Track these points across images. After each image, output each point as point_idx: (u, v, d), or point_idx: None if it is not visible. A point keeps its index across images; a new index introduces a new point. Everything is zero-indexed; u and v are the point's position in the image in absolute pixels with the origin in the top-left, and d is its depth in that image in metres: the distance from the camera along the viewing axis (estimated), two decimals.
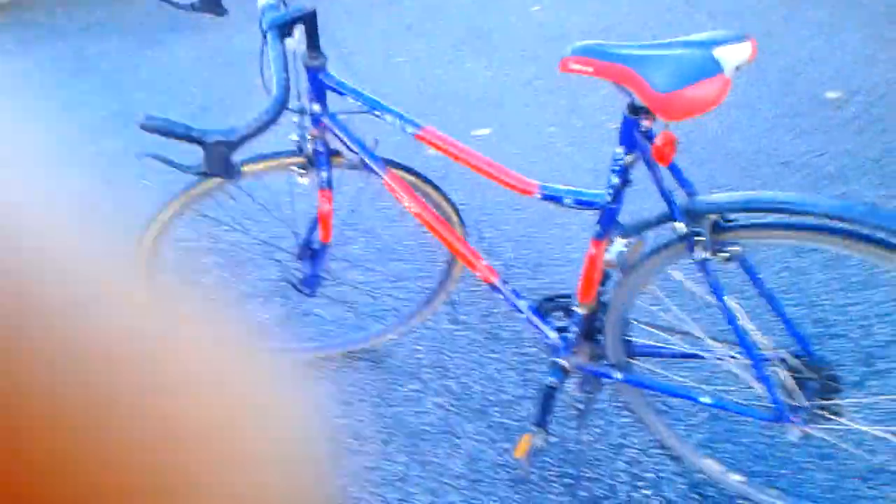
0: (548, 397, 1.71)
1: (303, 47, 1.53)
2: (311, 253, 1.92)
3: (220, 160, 1.31)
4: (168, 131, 1.23)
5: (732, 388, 1.73)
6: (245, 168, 1.61)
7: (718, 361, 1.52)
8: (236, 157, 1.38)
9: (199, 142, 1.27)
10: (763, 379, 1.41)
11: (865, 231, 1.16)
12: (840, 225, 1.19)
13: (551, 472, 1.82)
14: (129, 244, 0.22)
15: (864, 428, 1.47)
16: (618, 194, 1.37)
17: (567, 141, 3.09)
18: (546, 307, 1.71)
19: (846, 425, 1.42)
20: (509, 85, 3.58)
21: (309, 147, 1.64)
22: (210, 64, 4.04)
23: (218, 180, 1.63)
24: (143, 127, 1.21)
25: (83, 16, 4.88)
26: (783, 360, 1.43)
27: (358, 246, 2.64)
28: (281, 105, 1.31)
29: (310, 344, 2.19)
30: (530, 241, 2.58)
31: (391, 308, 2.35)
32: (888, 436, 1.58)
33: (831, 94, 3.23)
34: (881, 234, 1.16)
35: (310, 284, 1.93)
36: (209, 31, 4.44)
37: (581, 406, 1.95)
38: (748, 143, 2.96)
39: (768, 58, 3.52)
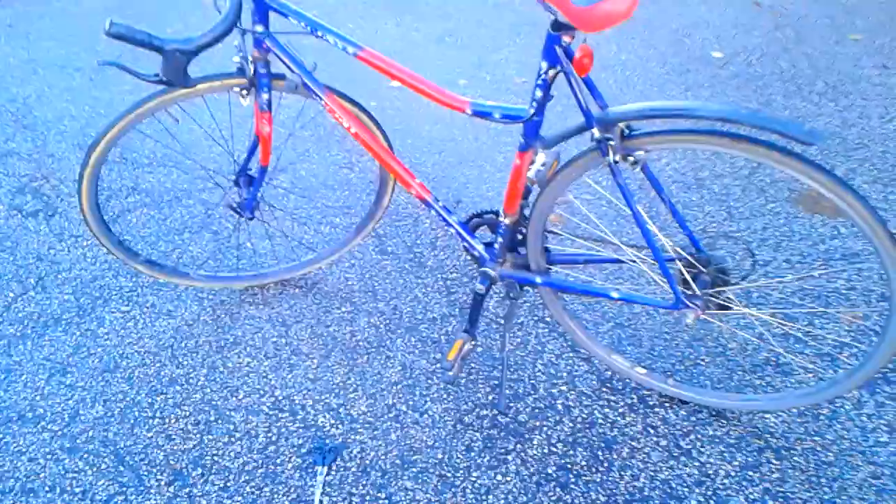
0: (476, 304, 1.89)
1: None
2: (249, 177, 2.02)
3: (178, 69, 1.40)
4: (131, 38, 1.31)
5: (637, 287, 1.96)
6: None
7: (630, 263, 1.73)
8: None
9: (159, 49, 1.36)
10: (666, 275, 1.63)
11: (748, 133, 1.38)
12: (727, 128, 1.41)
13: (479, 376, 2.01)
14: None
15: (745, 310, 1.71)
16: (540, 108, 1.54)
17: (477, 93, 3.27)
18: (474, 222, 1.88)
19: (734, 309, 1.66)
20: (420, 41, 3.72)
21: (251, 69, 1.74)
22: (120, 14, 3.96)
23: (166, 97, 1.71)
24: (108, 33, 1.29)
25: None
26: (681, 259, 1.65)
27: (289, 174, 2.75)
28: (234, 17, 1.41)
29: (243, 274, 2.29)
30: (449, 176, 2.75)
31: (323, 237, 2.48)
32: (766, 316, 1.85)
33: (716, 54, 3.53)
34: (762, 136, 1.38)
35: (248, 207, 2.03)
36: None
37: (503, 318, 2.14)
38: (641, 97, 3.22)
39: (658, 22, 3.79)
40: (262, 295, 2.28)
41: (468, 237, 1.85)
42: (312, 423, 1.90)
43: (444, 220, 1.85)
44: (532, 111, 1.55)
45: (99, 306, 2.24)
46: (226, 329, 2.17)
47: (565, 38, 1.43)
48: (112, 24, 1.27)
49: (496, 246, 1.82)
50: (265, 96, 1.79)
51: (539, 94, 1.52)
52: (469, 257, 2.32)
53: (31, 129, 3.07)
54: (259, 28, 1.67)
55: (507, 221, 1.75)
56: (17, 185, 2.76)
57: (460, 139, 2.98)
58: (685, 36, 3.69)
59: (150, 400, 1.96)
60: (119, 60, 1.48)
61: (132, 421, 1.91)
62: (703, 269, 1.64)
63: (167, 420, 1.91)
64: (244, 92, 1.78)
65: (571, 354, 2.06)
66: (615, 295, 1.74)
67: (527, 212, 1.76)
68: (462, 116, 3.08)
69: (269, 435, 1.87)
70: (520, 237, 1.82)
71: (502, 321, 2.15)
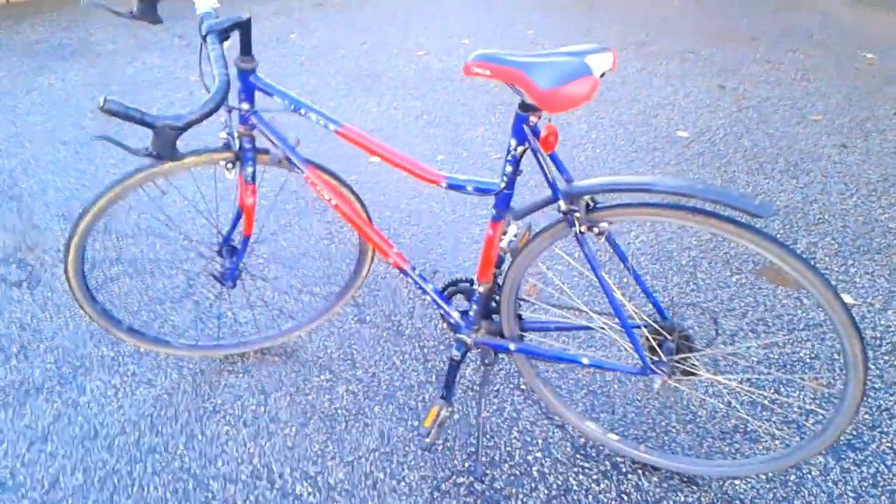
0: (452, 371, 1.95)
1: (236, 52, 1.72)
2: (232, 248, 2.09)
3: (167, 143, 1.47)
4: (124, 114, 1.38)
5: (606, 353, 2.02)
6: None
7: (599, 329, 1.80)
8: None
9: (150, 125, 1.43)
10: (632, 341, 1.70)
11: (705, 206, 1.48)
12: (684, 202, 1.50)
13: (456, 443, 2.04)
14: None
15: (712, 377, 1.78)
16: (511, 182, 1.64)
17: (455, 168, 3.39)
18: (449, 290, 1.96)
19: (701, 376, 1.73)
20: (399, 119, 3.86)
21: (236, 143, 1.83)
22: (103, 90, 4.11)
23: (154, 170, 1.79)
24: (103, 109, 1.37)
25: None
26: (647, 325, 1.73)
27: (271, 245, 2.81)
28: (223, 95, 1.49)
29: (224, 343, 2.33)
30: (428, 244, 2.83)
31: (302, 306, 2.54)
32: (733, 383, 1.91)
33: (682, 133, 3.69)
34: (717, 209, 1.48)
35: (231, 277, 2.09)
36: (101, 60, 4.50)
37: (479, 385, 2.19)
38: (611, 173, 3.35)
39: (625, 103, 3.97)
40: (241, 363, 2.32)
41: (444, 305, 1.92)
42: (290, 491, 1.92)
43: (421, 288, 1.92)
44: (503, 184, 1.64)
45: (80, 375, 2.27)
46: (205, 397, 2.19)
47: (532, 118, 1.53)
48: (106, 100, 1.34)
49: (471, 313, 1.88)
50: (249, 170, 1.87)
51: (509, 168, 1.62)
52: (445, 325, 2.38)
53: (16, 200, 3.13)
54: (245, 106, 1.77)
55: (481, 289, 1.83)
56: (2, 255, 2.80)
57: (437, 211, 3.08)
58: (652, 116, 3.85)
59: (129, 468, 1.97)
60: (108, 135, 1.55)
61: (111, 489, 1.92)
62: (668, 336, 1.71)
63: (146, 488, 1.92)
64: (229, 165, 1.86)
65: (546, 421, 2.11)
66: (585, 361, 1.81)
67: (500, 280, 1.84)
68: (439, 190, 3.19)
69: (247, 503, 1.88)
70: (494, 305, 1.89)
71: (478, 388, 2.20)
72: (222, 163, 1.85)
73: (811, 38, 4.91)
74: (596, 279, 1.64)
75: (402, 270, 1.90)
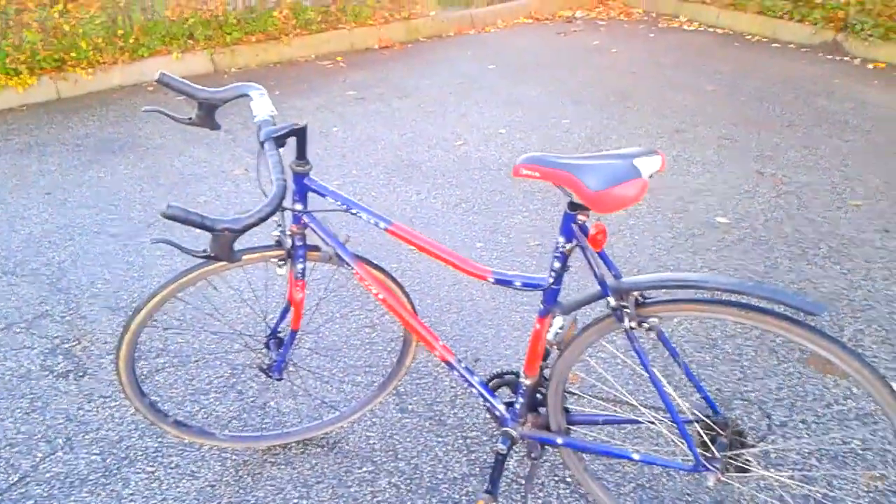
0: (498, 464, 1.93)
1: (291, 156, 1.78)
2: (279, 341, 2.12)
3: (225, 245, 1.52)
4: (185, 219, 1.44)
5: (656, 446, 1.98)
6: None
7: (649, 425, 1.78)
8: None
9: (210, 229, 1.48)
10: (685, 437, 1.67)
11: (755, 303, 1.48)
12: (734, 298, 1.51)
13: None
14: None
15: (764, 472, 1.74)
16: (559, 277, 1.66)
17: (494, 255, 3.42)
18: (494, 382, 1.95)
19: (753, 471, 1.69)
20: (438, 207, 3.93)
21: (288, 242, 1.88)
22: (152, 184, 4.24)
23: (209, 269, 1.83)
24: (166, 215, 1.42)
25: (22, 136, 5.03)
26: (699, 421, 1.71)
27: (313, 335, 2.84)
28: (280, 198, 1.54)
29: (267, 434, 2.34)
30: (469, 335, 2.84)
31: (345, 396, 2.54)
32: (785, 479, 1.86)
33: (721, 220, 3.70)
34: (767, 306, 1.47)
35: (278, 370, 2.11)
36: (149, 154, 4.67)
37: (524, 478, 2.16)
38: (652, 260, 3.35)
39: (663, 190, 4.00)
40: (284, 454, 2.31)
41: (490, 398, 1.92)
42: None
43: (467, 380, 1.92)
44: (551, 280, 1.66)
45: (125, 466, 2.27)
46: (248, 490, 2.19)
47: (580, 217, 1.56)
48: (169, 206, 1.40)
49: (517, 406, 1.88)
50: (300, 266, 1.91)
51: (557, 265, 1.64)
52: (489, 416, 2.37)
53: (64, 292, 3.21)
54: (298, 206, 1.82)
55: (527, 382, 1.82)
56: (50, 346, 2.86)
57: (478, 299, 3.09)
58: (690, 202, 3.87)
59: None
60: (167, 238, 1.60)
61: None
62: (721, 432, 1.68)
63: None
64: (281, 262, 1.91)
65: None
66: (636, 456, 1.78)
67: (546, 373, 1.83)
68: (471, 278, 3.21)
69: None
70: (540, 397, 1.88)
71: (523, 481, 2.16)
72: (274, 260, 1.90)
73: (846, 124, 4.94)
74: (646, 373, 1.63)
75: (447, 363, 1.91)
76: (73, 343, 2.87)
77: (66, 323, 3.00)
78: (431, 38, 7.41)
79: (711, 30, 7.29)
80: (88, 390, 2.61)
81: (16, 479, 2.25)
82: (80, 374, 2.70)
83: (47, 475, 2.26)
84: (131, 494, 2.18)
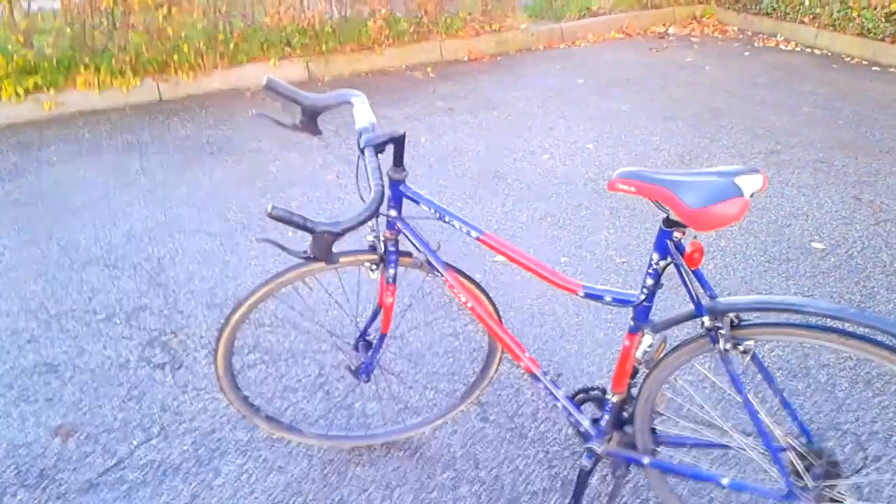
0: (581, 481, 1.92)
1: (389, 163, 1.83)
2: (368, 343, 2.17)
3: (325, 247, 1.57)
4: (288, 220, 1.49)
5: (743, 473, 1.94)
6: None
7: (740, 451, 1.75)
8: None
9: (310, 230, 1.54)
10: (778, 465, 1.63)
11: (856, 330, 1.44)
12: (835, 324, 1.47)
13: None
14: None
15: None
16: (651, 294, 1.65)
17: (579, 270, 3.41)
18: (580, 397, 1.95)
19: (846, 503, 1.64)
20: (523, 220, 3.93)
21: (381, 247, 1.92)
22: (247, 187, 4.39)
23: (306, 270, 1.90)
24: (271, 216, 1.48)
25: (125, 135, 5.29)
26: (792, 449, 1.66)
27: (398, 341, 2.89)
28: (378, 204, 1.58)
29: (352, 434, 2.39)
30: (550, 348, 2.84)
31: (427, 402, 2.57)
32: None
33: (817, 245, 3.59)
34: (869, 334, 1.43)
35: (366, 372, 2.16)
36: (245, 157, 4.83)
37: (607, 497, 2.14)
38: (742, 283, 3.28)
39: (756, 212, 3.90)
40: (368, 455, 2.36)
41: (576, 413, 1.92)
42: None
43: (552, 394, 1.92)
44: (643, 297, 1.65)
45: (216, 458, 2.36)
46: (333, 487, 2.24)
47: (676, 234, 1.55)
48: (273, 207, 1.46)
49: (603, 423, 1.87)
50: (392, 271, 1.96)
51: (650, 281, 1.63)
52: (573, 431, 2.36)
53: (163, 287, 3.36)
54: (393, 213, 1.87)
55: (614, 399, 1.82)
56: (148, 338, 2.99)
57: (561, 313, 3.09)
58: (785, 226, 3.77)
59: None
60: (270, 237, 1.66)
61: None
62: (816, 461, 1.64)
63: None
64: (373, 267, 1.95)
65: None
66: (725, 482, 1.75)
67: (634, 391, 1.82)
68: (563, 292, 3.20)
69: None
70: (626, 416, 1.87)
71: (605, 499, 2.15)
72: (367, 264, 1.95)
73: None
74: (738, 397, 1.60)
75: (533, 375, 1.92)
76: (171, 336, 3.00)
77: (163, 316, 3.13)
78: (521, 51, 7.43)
79: (809, 50, 7.08)
80: (183, 382, 2.72)
81: (112, 463, 2.37)
82: (176, 365, 2.81)
83: (142, 462, 2.37)
84: (221, 485, 2.26)
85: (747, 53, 7.08)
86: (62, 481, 2.30)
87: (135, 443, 2.45)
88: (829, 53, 6.94)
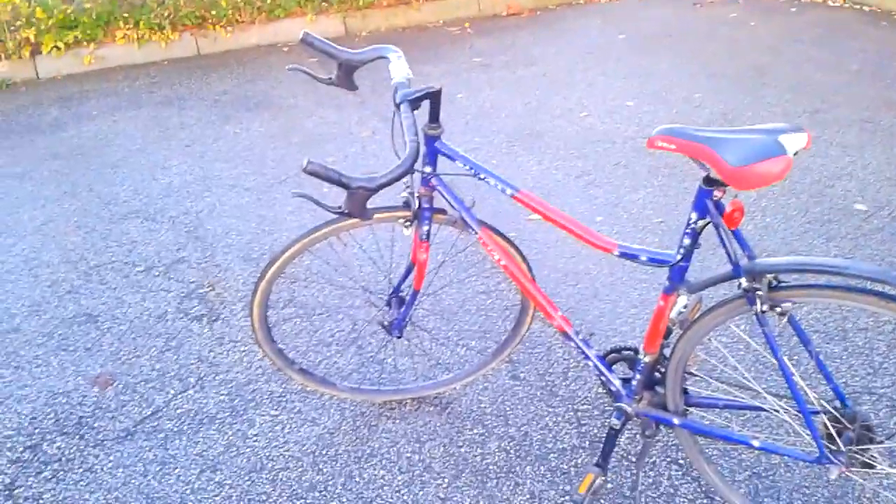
0: (610, 439, 1.93)
1: (425, 118, 1.81)
2: (401, 300, 2.18)
3: (359, 203, 1.57)
4: (324, 175, 1.49)
5: (776, 436, 1.92)
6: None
7: (771, 413, 1.73)
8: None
9: (345, 185, 1.53)
10: (811, 428, 1.62)
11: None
12: (876, 287, 1.43)
13: None
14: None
15: (891, 470, 1.67)
16: (688, 254, 1.62)
17: (615, 230, 3.37)
18: (612, 357, 1.94)
19: (879, 468, 1.62)
20: (559, 178, 3.90)
21: (416, 203, 1.92)
22: (283, 142, 4.40)
23: (342, 225, 1.90)
24: (306, 170, 1.48)
25: (164, 90, 5.33)
26: (826, 413, 1.64)
27: (430, 298, 2.90)
28: (413, 160, 1.57)
29: (384, 388, 2.42)
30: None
31: (459, 359, 2.59)
32: None
33: (860, 206, 3.51)
34: None
35: (398, 327, 2.18)
36: (282, 113, 4.84)
37: (636, 456, 2.15)
38: (783, 244, 3.22)
39: (798, 173, 3.81)
40: (399, 410, 2.39)
41: (606, 372, 1.91)
42: None
43: (583, 353, 1.92)
44: (679, 257, 1.63)
45: (251, 409, 2.41)
46: (364, 440, 2.27)
47: (716, 193, 1.52)
48: (309, 162, 1.45)
49: (634, 383, 1.86)
50: (426, 228, 1.96)
51: (687, 241, 1.61)
52: (603, 390, 2.36)
53: (201, 241, 3.40)
54: (428, 169, 1.86)
55: (646, 360, 1.81)
56: (186, 290, 3.04)
57: (595, 273, 3.06)
58: (827, 186, 3.69)
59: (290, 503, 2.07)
60: (305, 192, 1.67)
61: None
62: (849, 425, 1.62)
63: None
64: (407, 223, 1.95)
65: (706, 500, 2.03)
66: (756, 444, 1.73)
67: (666, 352, 1.81)
68: (597, 252, 3.18)
69: None
70: (658, 376, 1.86)
71: (634, 459, 2.15)
72: (401, 220, 1.94)
73: None
74: (774, 359, 1.58)
75: (564, 334, 1.91)
76: (208, 289, 3.04)
77: (201, 270, 3.18)
78: (561, 6, 7.28)
79: (857, 6, 6.82)
80: (220, 334, 2.77)
81: (149, 412, 2.43)
82: (213, 318, 2.86)
83: (178, 411, 2.43)
84: (255, 435, 2.31)
85: (793, 10, 6.85)
86: (100, 429, 2.36)
87: (172, 392, 2.50)
88: (879, 10, 6.68)
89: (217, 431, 2.34)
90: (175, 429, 2.35)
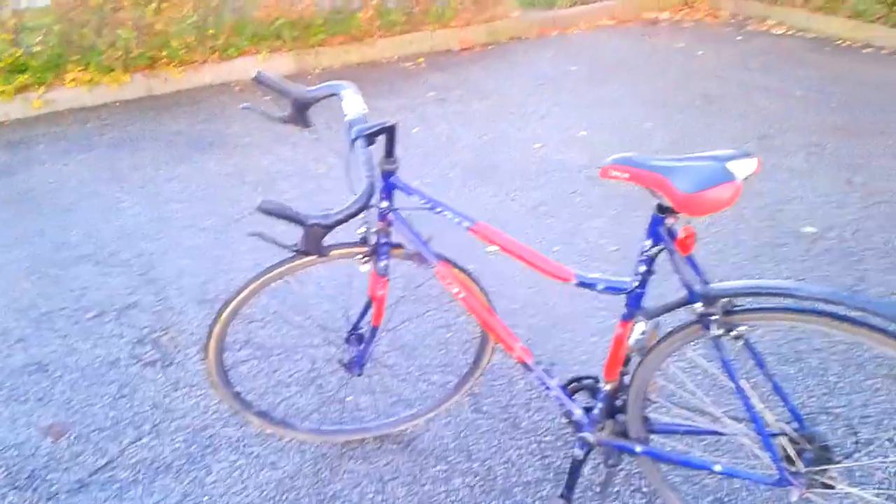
0: (574, 470, 1.92)
1: (380, 154, 1.81)
2: (360, 337, 2.15)
3: (316, 240, 1.56)
4: (279, 213, 1.48)
5: (736, 459, 1.93)
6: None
7: (732, 437, 1.74)
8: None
9: (301, 223, 1.52)
10: (769, 450, 1.63)
11: (850, 314, 1.43)
12: (828, 308, 1.46)
13: None
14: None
15: (853, 490, 1.68)
16: (643, 281, 1.64)
17: (572, 259, 3.39)
18: (573, 387, 1.94)
19: (838, 488, 1.63)
20: (516, 209, 3.92)
21: (373, 239, 1.90)
22: (238, 180, 4.37)
23: (297, 264, 1.88)
24: (261, 209, 1.47)
25: (115, 132, 5.26)
26: (785, 434, 1.66)
27: (390, 333, 2.87)
28: (369, 195, 1.57)
29: (345, 428, 2.38)
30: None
31: (420, 394, 2.56)
32: (870, 497, 1.80)
33: (809, 229, 3.58)
34: (861, 317, 1.42)
35: (358, 365, 2.15)
36: (237, 152, 4.80)
37: (600, 486, 2.13)
38: (735, 268, 3.27)
39: (748, 198, 3.88)
40: (361, 449, 2.35)
41: (568, 402, 1.91)
42: None
43: (544, 383, 1.91)
44: (636, 284, 1.64)
45: (208, 455, 2.35)
46: (325, 482, 2.23)
47: (669, 220, 1.54)
48: (263, 201, 1.44)
49: (595, 412, 1.86)
50: (383, 263, 1.94)
51: (642, 268, 1.62)
52: (566, 421, 2.35)
53: (154, 283, 3.34)
54: (385, 204, 1.85)
55: (607, 388, 1.81)
56: (139, 335, 2.97)
57: (554, 303, 3.07)
58: (777, 210, 3.76)
59: None
60: (261, 231, 1.64)
61: None
62: (808, 446, 1.63)
63: None
64: (365, 259, 1.94)
65: None
66: (717, 468, 1.74)
67: (626, 379, 1.81)
68: (556, 281, 3.19)
69: None
70: (619, 404, 1.86)
71: (598, 488, 2.14)
72: (358, 256, 1.93)
73: None
74: (731, 383, 1.60)
75: (525, 365, 1.91)
76: (161, 333, 2.98)
77: (154, 313, 3.11)
78: (513, 40, 7.39)
79: (801, 34, 7.05)
80: (175, 379, 2.70)
81: (103, 462, 2.36)
82: (168, 363, 2.80)
83: (133, 460, 2.36)
84: (214, 482, 2.25)
85: (739, 38, 7.05)
86: (53, 481, 2.28)
87: (126, 441, 2.43)
88: (822, 37, 6.91)
89: (174, 480, 2.27)
90: (130, 478, 2.28)
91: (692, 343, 1.66)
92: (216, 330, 1.96)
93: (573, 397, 1.93)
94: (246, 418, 2.21)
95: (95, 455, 2.38)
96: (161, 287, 3.30)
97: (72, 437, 2.46)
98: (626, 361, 1.79)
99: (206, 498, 2.19)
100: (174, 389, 2.65)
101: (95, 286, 3.33)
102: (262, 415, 2.23)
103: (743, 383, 1.60)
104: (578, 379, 1.94)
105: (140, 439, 2.44)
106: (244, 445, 2.38)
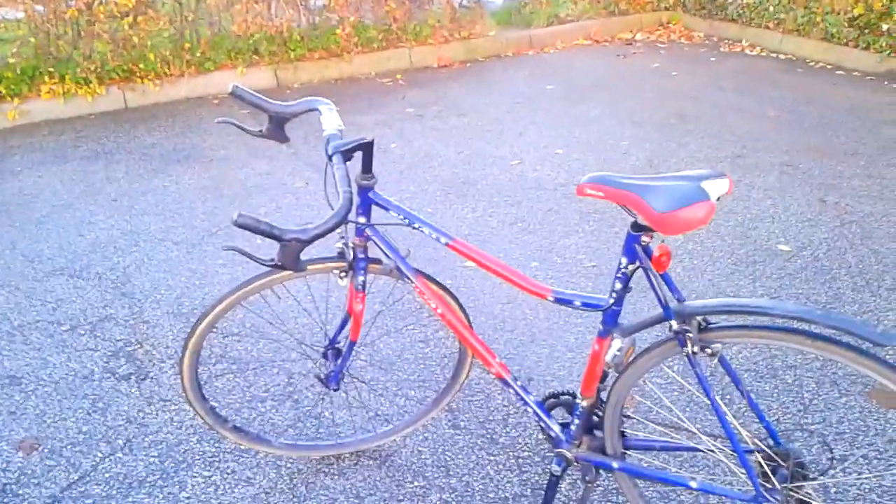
0: (551, 486, 1.92)
1: (357, 170, 1.81)
2: (337, 351, 2.15)
3: (293, 255, 1.55)
4: (255, 228, 1.47)
5: (712, 475, 1.95)
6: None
7: (707, 453, 1.75)
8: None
9: (278, 238, 1.52)
10: (746, 467, 1.64)
11: (823, 332, 1.45)
12: (801, 326, 1.48)
13: None
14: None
15: None
16: (620, 298, 1.65)
17: (549, 275, 3.41)
18: (550, 403, 1.95)
19: None
20: (493, 225, 3.94)
21: (350, 254, 1.90)
22: (214, 194, 4.34)
23: (274, 278, 1.87)
24: (237, 223, 1.46)
25: (90, 144, 5.21)
26: (760, 451, 1.67)
27: (368, 348, 2.87)
28: (346, 211, 1.56)
29: (321, 443, 2.37)
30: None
31: (398, 409, 2.55)
32: None
33: (783, 247, 3.63)
34: (835, 335, 1.44)
35: (335, 380, 2.14)
36: (213, 165, 4.78)
37: (577, 502, 2.14)
38: (710, 286, 3.30)
39: (723, 216, 3.94)
40: (337, 465, 2.34)
41: (545, 418, 1.91)
42: None
43: (522, 399, 1.92)
44: (612, 301, 1.65)
45: (182, 470, 2.32)
46: (301, 498, 2.21)
47: (644, 238, 1.56)
48: (240, 215, 1.43)
49: (573, 428, 1.87)
50: (361, 279, 1.94)
51: (618, 285, 1.63)
52: (543, 436, 2.36)
53: (128, 297, 3.30)
54: (362, 219, 1.85)
55: (584, 404, 1.81)
56: (113, 349, 2.94)
57: (531, 319, 3.08)
58: (751, 229, 3.81)
59: None
60: (237, 246, 1.64)
61: None
62: (783, 463, 1.65)
63: None
64: (342, 274, 1.94)
65: None
66: (693, 485, 1.75)
67: (603, 395, 1.82)
68: (533, 297, 3.20)
69: None
70: (596, 420, 1.87)
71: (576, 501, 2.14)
72: (336, 271, 1.93)
73: None
74: (706, 400, 1.61)
75: (503, 381, 1.91)
76: (136, 346, 2.95)
77: (129, 327, 3.08)
78: (490, 58, 7.45)
79: (774, 55, 7.18)
80: (149, 393, 2.67)
81: (76, 477, 2.32)
82: (142, 377, 2.77)
83: (106, 475, 2.32)
84: (188, 498, 2.22)
85: (713, 59, 7.16)
86: (25, 496, 2.24)
87: (99, 456, 2.40)
88: (794, 58, 7.04)
89: (147, 495, 2.24)
90: (103, 494, 2.25)
91: (668, 359, 1.68)
92: (191, 343, 1.95)
93: (550, 413, 1.94)
94: (221, 433, 2.18)
95: (68, 470, 2.34)
96: (135, 300, 3.27)
97: (44, 452, 2.42)
98: (604, 377, 1.80)
99: None
100: (148, 404, 2.62)
101: (69, 299, 3.29)
102: (237, 430, 2.21)
103: (718, 399, 1.61)
104: (556, 395, 1.94)
105: (113, 454, 2.40)
106: (219, 461, 2.35)
